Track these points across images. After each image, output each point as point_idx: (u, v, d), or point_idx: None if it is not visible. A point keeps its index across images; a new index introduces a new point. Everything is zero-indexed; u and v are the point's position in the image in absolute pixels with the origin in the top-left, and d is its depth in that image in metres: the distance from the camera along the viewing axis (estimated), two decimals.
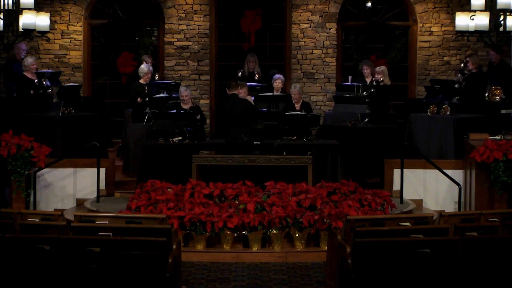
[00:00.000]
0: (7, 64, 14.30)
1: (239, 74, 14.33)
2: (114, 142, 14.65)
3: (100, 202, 11.60)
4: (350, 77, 15.08)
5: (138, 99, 13.17)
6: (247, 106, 12.19)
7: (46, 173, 11.88)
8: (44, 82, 13.04)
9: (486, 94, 12.93)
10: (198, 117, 12.87)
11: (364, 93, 13.27)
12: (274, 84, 13.85)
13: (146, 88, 13.26)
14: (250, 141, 11.71)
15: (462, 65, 13.77)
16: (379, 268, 7.62)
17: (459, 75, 13.51)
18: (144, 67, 13.57)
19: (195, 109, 12.97)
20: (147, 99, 13.12)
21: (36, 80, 12.99)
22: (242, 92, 12.31)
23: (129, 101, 13.97)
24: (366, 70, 13.95)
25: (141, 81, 13.44)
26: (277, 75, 14.07)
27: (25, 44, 14.13)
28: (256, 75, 14.52)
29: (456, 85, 13.37)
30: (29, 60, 13.11)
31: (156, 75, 14.50)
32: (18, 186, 11.40)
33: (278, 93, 13.71)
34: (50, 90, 13.11)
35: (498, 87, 12.78)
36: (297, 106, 13.32)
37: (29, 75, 13.03)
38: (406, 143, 12.36)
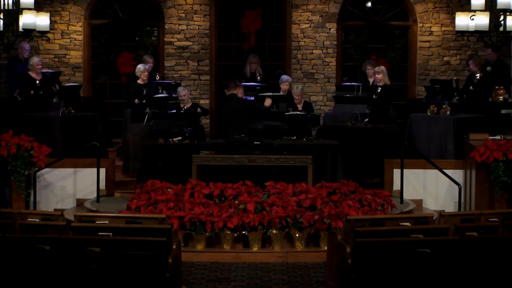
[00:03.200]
0: (9, 64, 14.29)
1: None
2: (114, 142, 14.63)
3: (100, 202, 11.59)
4: (346, 78, 15.10)
5: (136, 100, 13.16)
6: (248, 106, 12.18)
7: (46, 173, 11.88)
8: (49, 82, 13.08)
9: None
10: (199, 110, 12.85)
11: (374, 96, 13.28)
12: (282, 86, 13.79)
13: (144, 89, 13.24)
14: (250, 141, 11.71)
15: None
16: (379, 268, 7.62)
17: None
18: (140, 66, 13.55)
19: (194, 107, 12.98)
20: (144, 101, 13.09)
21: (37, 81, 13.01)
22: (239, 93, 12.31)
23: (126, 101, 13.95)
24: (370, 70, 13.96)
25: (139, 81, 13.43)
26: (285, 77, 13.98)
27: (28, 44, 14.13)
28: (258, 76, 14.49)
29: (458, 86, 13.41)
30: (35, 60, 13.18)
31: (157, 75, 14.49)
32: (18, 186, 11.40)
33: (279, 93, 13.69)
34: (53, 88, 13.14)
35: (502, 87, 12.78)
36: (299, 106, 13.33)
37: (33, 75, 13.06)
38: (406, 143, 12.35)
